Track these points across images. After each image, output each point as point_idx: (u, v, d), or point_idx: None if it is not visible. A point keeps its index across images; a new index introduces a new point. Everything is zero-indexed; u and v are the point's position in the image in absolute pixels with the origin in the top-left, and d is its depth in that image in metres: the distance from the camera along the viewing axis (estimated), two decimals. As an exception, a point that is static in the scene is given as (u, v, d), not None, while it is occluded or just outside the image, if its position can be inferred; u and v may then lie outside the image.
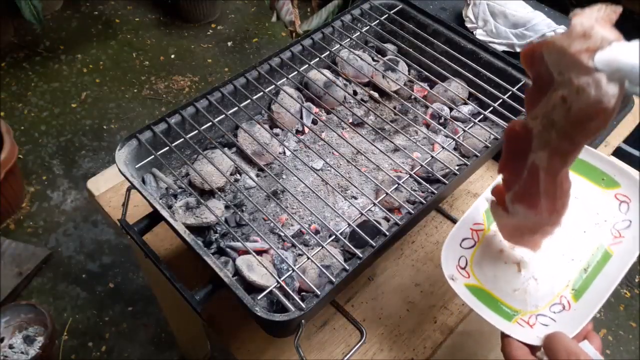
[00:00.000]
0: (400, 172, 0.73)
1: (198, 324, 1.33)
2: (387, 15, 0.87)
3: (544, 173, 0.47)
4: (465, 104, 0.80)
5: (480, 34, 0.94)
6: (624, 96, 0.43)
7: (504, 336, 0.56)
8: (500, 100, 0.75)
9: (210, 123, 0.73)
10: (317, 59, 0.83)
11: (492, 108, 0.75)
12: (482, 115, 0.74)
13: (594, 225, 0.66)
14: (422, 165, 0.69)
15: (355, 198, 0.72)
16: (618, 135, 0.97)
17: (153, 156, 0.70)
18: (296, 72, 0.81)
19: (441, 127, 0.76)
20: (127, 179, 0.64)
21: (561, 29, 0.89)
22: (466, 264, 0.64)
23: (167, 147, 0.70)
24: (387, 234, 0.61)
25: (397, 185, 0.67)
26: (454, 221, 0.83)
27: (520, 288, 0.62)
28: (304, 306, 0.55)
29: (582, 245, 0.65)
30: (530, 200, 0.51)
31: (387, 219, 0.66)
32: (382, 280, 0.77)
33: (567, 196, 0.50)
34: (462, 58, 0.80)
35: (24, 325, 1.43)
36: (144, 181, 0.70)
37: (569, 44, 0.42)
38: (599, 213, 0.67)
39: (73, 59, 2.31)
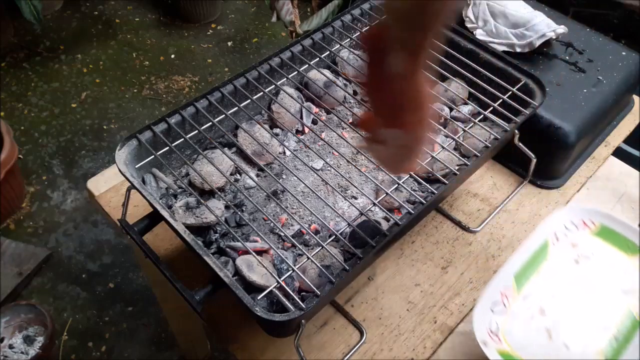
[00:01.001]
0: (400, 172, 0.73)
1: (198, 324, 1.33)
2: (387, 15, 0.87)
3: (402, 78, 0.43)
4: (465, 104, 0.80)
5: (480, 34, 0.94)
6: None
7: None
8: (500, 100, 0.75)
9: (210, 123, 0.73)
10: (317, 59, 0.83)
11: (492, 108, 0.75)
12: (482, 115, 0.74)
13: (622, 292, 0.68)
14: (422, 165, 0.69)
15: (355, 198, 0.72)
16: (618, 135, 0.97)
17: (153, 156, 0.69)
18: (296, 72, 0.81)
19: (441, 127, 0.76)
20: (127, 179, 0.64)
21: (561, 29, 0.89)
22: (497, 328, 0.65)
23: (167, 147, 0.70)
24: (387, 234, 0.61)
25: (397, 185, 0.67)
26: (454, 221, 0.83)
27: (552, 355, 0.62)
28: (304, 306, 0.55)
29: (611, 312, 0.66)
30: (398, 117, 0.46)
31: (387, 219, 0.66)
32: (382, 280, 0.77)
33: (429, 102, 0.46)
34: (462, 58, 0.80)
35: (24, 325, 1.43)
36: (144, 181, 0.70)
37: None
38: (625, 280, 0.69)
39: (73, 59, 2.30)
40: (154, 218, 0.66)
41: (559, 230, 0.74)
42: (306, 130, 0.80)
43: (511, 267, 0.69)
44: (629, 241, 0.72)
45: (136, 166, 0.69)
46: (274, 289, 0.57)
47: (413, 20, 0.40)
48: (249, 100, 0.77)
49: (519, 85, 0.76)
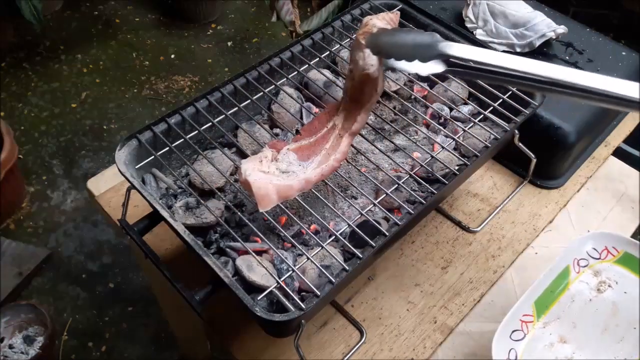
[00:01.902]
0: (400, 172, 0.73)
1: (198, 324, 1.33)
2: (387, 15, 0.87)
3: (337, 131, 0.65)
4: (465, 103, 0.80)
5: (480, 34, 0.94)
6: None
7: None
8: (500, 100, 0.75)
9: (210, 123, 0.73)
10: (317, 59, 0.83)
11: (492, 108, 0.75)
12: (482, 115, 0.74)
13: None
14: (422, 165, 0.69)
15: (355, 198, 0.72)
16: (618, 135, 0.97)
17: (153, 156, 0.69)
18: (296, 72, 0.81)
19: (441, 127, 0.76)
20: (127, 179, 0.64)
21: (561, 29, 0.89)
22: (516, 357, 0.65)
23: (167, 148, 0.70)
24: (387, 234, 0.61)
25: (397, 185, 0.67)
26: (454, 221, 0.83)
27: None
28: (303, 306, 0.55)
29: (634, 342, 0.66)
30: (306, 152, 0.64)
31: (387, 219, 0.66)
32: (382, 280, 0.77)
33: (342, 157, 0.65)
34: (462, 58, 0.80)
35: (24, 325, 1.43)
36: (143, 181, 0.70)
37: (358, 31, 0.61)
38: None
39: (73, 59, 2.31)
40: (153, 218, 0.66)
41: (580, 258, 0.73)
42: (306, 130, 0.80)
43: (531, 294, 0.68)
44: None
45: (136, 166, 0.69)
46: (273, 289, 0.57)
47: (355, 96, 0.64)
48: (248, 101, 0.77)
49: (519, 85, 0.76)
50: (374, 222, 0.62)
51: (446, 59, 0.56)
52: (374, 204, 0.65)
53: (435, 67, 0.57)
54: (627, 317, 0.69)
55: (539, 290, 0.69)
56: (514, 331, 0.66)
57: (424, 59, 0.56)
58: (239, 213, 0.64)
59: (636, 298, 0.70)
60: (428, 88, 0.81)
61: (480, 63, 0.53)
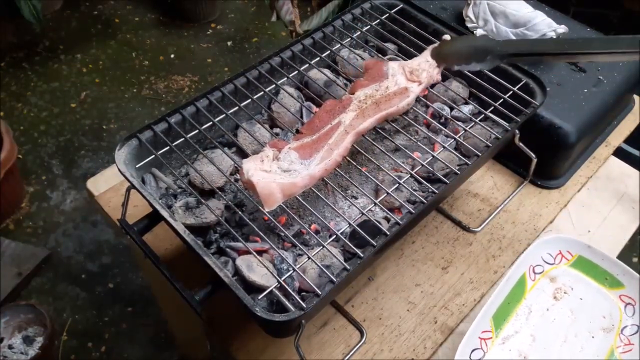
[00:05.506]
0: (401, 171, 0.72)
1: (198, 324, 1.32)
2: (387, 14, 0.87)
3: (343, 128, 0.66)
4: (466, 103, 0.79)
5: (480, 34, 0.93)
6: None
7: None
8: (501, 99, 0.75)
9: (211, 122, 0.73)
10: (318, 58, 0.82)
11: (492, 107, 0.75)
12: (482, 115, 0.74)
13: (602, 330, 0.67)
14: (422, 165, 0.69)
15: (356, 198, 0.72)
16: (619, 135, 0.97)
17: (153, 156, 0.69)
18: (296, 72, 0.81)
19: (442, 127, 0.75)
20: (126, 178, 0.64)
21: (562, 28, 0.89)
22: None
23: (167, 147, 0.70)
24: (388, 233, 0.60)
25: (397, 184, 0.66)
26: (454, 221, 0.83)
27: None
28: (304, 306, 0.55)
29: (594, 352, 0.65)
30: (308, 150, 0.64)
31: (387, 219, 0.66)
32: (382, 280, 0.77)
33: (343, 155, 0.66)
34: (463, 57, 0.80)
35: (23, 325, 1.43)
36: (143, 181, 0.70)
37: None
38: (605, 317, 0.68)
39: (72, 59, 2.30)
40: (153, 218, 0.65)
41: (536, 264, 0.73)
42: (306, 129, 0.80)
43: (489, 307, 0.67)
44: (606, 273, 0.71)
45: (136, 166, 0.69)
46: (274, 289, 0.57)
47: (379, 103, 0.70)
48: (249, 100, 0.76)
49: (519, 85, 0.76)
50: (374, 221, 0.62)
51: (500, 54, 0.68)
52: (375, 204, 0.64)
53: (491, 63, 0.69)
54: (585, 326, 0.68)
55: (497, 303, 0.68)
56: (473, 350, 0.65)
57: (482, 60, 0.69)
58: (239, 212, 0.64)
59: (592, 304, 0.70)
60: (429, 87, 0.81)
61: (529, 51, 0.69)
